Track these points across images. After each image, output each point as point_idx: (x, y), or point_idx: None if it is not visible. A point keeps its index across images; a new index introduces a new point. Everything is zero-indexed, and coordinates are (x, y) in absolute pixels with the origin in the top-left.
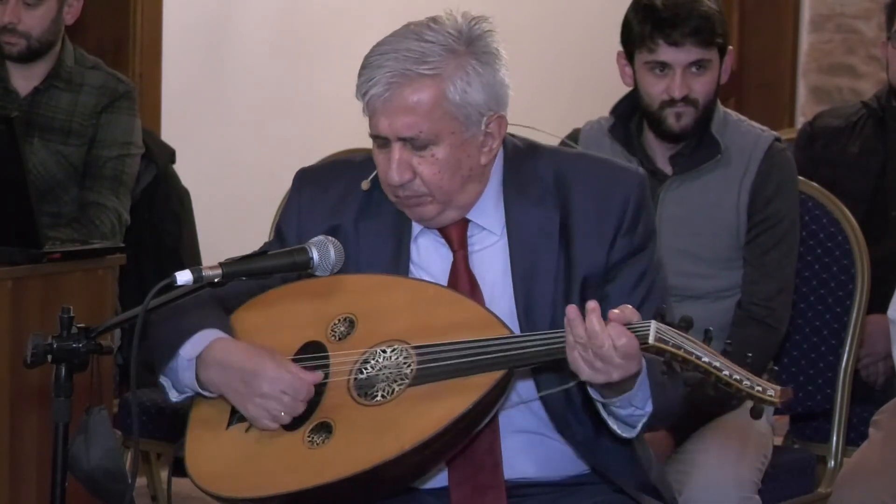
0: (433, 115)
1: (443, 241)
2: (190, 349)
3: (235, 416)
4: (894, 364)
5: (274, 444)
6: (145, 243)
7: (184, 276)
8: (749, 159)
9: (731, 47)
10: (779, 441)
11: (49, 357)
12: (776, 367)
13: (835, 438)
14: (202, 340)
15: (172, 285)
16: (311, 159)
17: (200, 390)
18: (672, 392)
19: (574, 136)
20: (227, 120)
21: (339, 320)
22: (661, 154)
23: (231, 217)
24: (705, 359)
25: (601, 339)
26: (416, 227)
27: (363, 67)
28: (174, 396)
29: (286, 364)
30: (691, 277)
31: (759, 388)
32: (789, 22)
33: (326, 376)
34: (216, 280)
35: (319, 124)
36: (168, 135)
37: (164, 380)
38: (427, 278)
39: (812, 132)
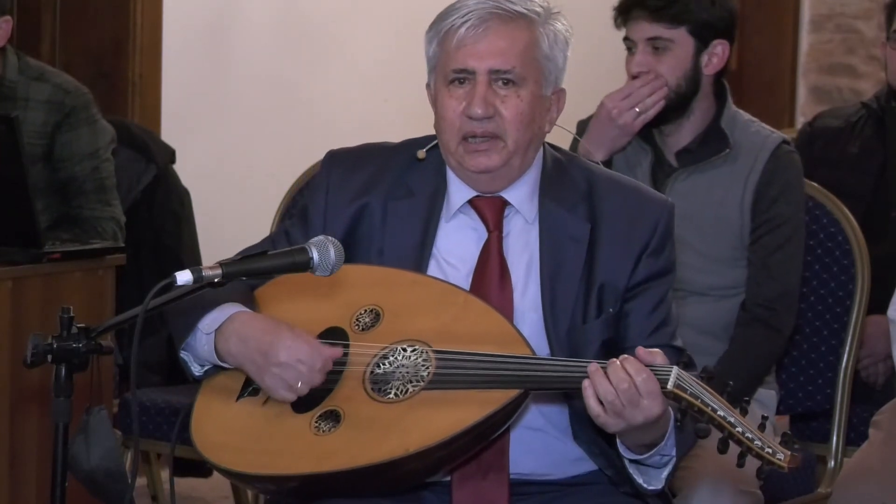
0: (525, 57)
1: (474, 224)
2: (209, 322)
3: (247, 390)
4: (894, 364)
5: (281, 423)
6: (145, 243)
7: (184, 276)
8: (756, 159)
9: (721, 41)
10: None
11: (49, 357)
12: (788, 431)
13: (835, 438)
14: (222, 314)
15: (172, 285)
16: (311, 159)
17: (219, 362)
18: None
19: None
20: (227, 120)
21: (366, 311)
22: (670, 146)
23: (231, 217)
24: (720, 412)
25: (624, 378)
26: (447, 211)
27: (447, 13)
28: (196, 370)
29: (305, 335)
30: (693, 271)
31: (769, 451)
32: (789, 22)
33: (344, 364)
34: (216, 280)
35: (319, 124)
36: (168, 135)
37: (184, 355)
38: (452, 262)
39: (812, 132)
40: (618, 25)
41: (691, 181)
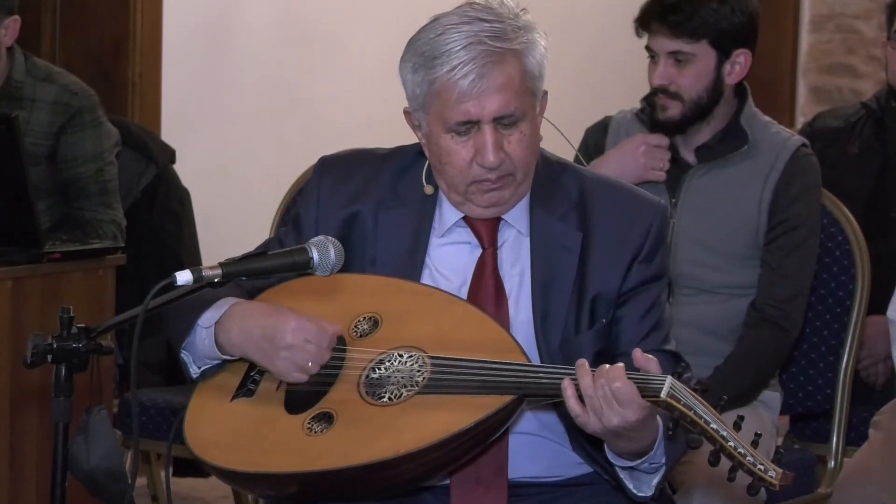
0: (521, 91)
1: (468, 237)
2: (208, 318)
3: (242, 391)
4: (894, 365)
5: (273, 424)
6: (145, 243)
7: (184, 276)
8: (776, 158)
9: (743, 50)
10: (779, 441)
11: (49, 357)
12: (783, 450)
13: (835, 439)
14: (220, 307)
15: (172, 285)
16: (311, 159)
17: (221, 356)
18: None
19: (605, 122)
20: (227, 120)
21: (364, 318)
22: (689, 144)
23: (231, 217)
24: (713, 426)
25: (603, 374)
26: (440, 227)
27: (434, 52)
28: (194, 371)
29: (307, 315)
30: (704, 269)
31: (761, 467)
32: (789, 22)
33: (340, 368)
34: (216, 280)
35: (319, 124)
36: (168, 135)
37: (184, 355)
38: (445, 273)
39: (811, 133)
40: (639, 35)
41: (709, 177)
